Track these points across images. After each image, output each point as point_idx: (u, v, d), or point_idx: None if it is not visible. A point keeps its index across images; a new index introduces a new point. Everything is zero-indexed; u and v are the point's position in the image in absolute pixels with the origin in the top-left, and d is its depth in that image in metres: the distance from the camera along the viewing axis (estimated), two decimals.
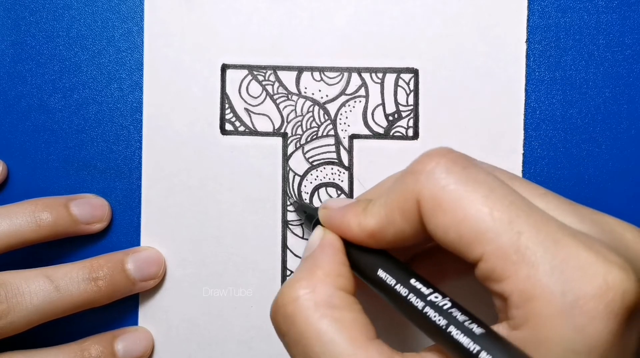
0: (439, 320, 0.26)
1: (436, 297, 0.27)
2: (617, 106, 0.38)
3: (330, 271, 0.29)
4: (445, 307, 0.26)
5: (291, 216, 0.39)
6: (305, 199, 0.39)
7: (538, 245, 0.25)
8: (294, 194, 0.39)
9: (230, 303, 0.39)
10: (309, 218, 0.35)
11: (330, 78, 0.39)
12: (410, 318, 0.28)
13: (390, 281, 0.28)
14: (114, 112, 0.39)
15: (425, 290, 0.27)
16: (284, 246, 0.39)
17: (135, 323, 0.39)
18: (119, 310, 0.39)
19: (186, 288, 0.39)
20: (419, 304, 0.27)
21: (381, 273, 0.29)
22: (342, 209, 0.31)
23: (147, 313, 0.39)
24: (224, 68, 0.39)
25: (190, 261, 0.39)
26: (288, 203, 0.39)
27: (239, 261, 0.39)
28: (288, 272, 0.39)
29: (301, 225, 0.39)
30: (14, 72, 0.39)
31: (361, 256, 0.30)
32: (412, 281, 0.28)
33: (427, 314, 0.27)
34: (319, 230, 0.32)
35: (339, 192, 0.39)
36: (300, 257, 0.39)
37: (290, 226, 0.39)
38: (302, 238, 0.39)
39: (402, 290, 0.28)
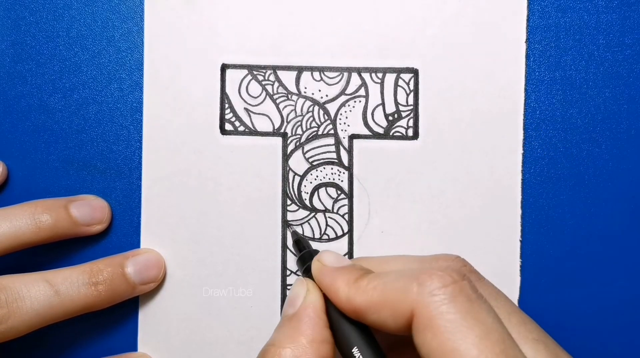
0: None
1: None
2: (617, 106, 0.38)
3: (313, 338, 0.29)
4: None
5: (291, 216, 0.39)
6: (305, 199, 0.39)
7: None
8: (292, 226, 0.38)
9: (230, 303, 0.39)
10: (302, 258, 0.35)
11: (330, 78, 0.39)
12: None
13: None
14: (114, 112, 0.39)
15: None
16: (284, 246, 0.39)
17: (135, 323, 0.39)
18: (118, 309, 0.39)
19: (186, 288, 0.39)
20: None
21: (355, 353, 0.29)
22: (335, 271, 0.31)
23: (147, 313, 0.39)
24: (224, 68, 0.39)
25: (190, 261, 0.39)
26: (289, 229, 0.38)
27: (239, 261, 0.39)
28: (288, 272, 0.39)
29: (301, 225, 0.39)
30: (14, 72, 0.39)
31: (341, 324, 0.30)
32: None
33: None
34: (303, 285, 0.32)
35: (339, 192, 0.39)
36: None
37: (290, 226, 0.39)
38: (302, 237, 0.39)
39: None
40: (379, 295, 0.28)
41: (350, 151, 0.39)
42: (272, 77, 0.39)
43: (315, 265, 0.32)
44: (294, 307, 0.31)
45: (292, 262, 0.39)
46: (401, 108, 0.39)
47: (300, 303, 0.31)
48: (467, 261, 0.33)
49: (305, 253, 0.35)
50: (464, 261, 0.33)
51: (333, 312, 0.31)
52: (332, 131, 0.39)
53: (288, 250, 0.39)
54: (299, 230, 0.39)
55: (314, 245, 0.39)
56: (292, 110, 0.39)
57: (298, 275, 0.39)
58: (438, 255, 0.33)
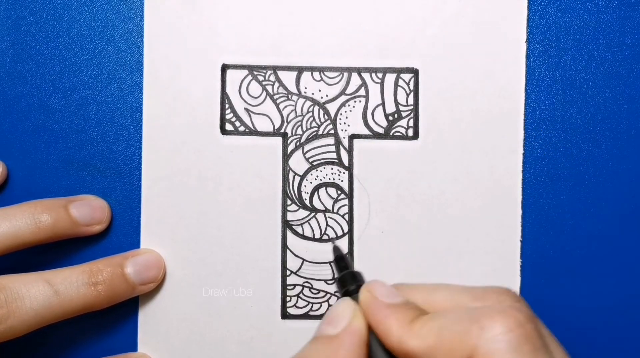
0: None
1: None
2: (617, 106, 0.38)
3: None
4: None
5: (291, 216, 0.39)
6: (306, 199, 0.39)
7: None
8: (334, 239, 0.37)
9: (230, 303, 0.39)
10: (343, 280, 0.32)
11: (330, 78, 0.39)
12: None
13: None
14: (114, 112, 0.39)
15: None
16: (284, 246, 0.39)
17: (135, 323, 0.39)
18: (118, 309, 0.38)
19: (186, 288, 0.39)
20: None
21: None
22: (387, 308, 0.28)
23: (147, 313, 0.39)
24: (224, 68, 0.39)
25: (190, 261, 0.39)
26: (331, 243, 0.37)
27: (239, 261, 0.39)
28: (288, 272, 0.39)
29: (301, 225, 0.39)
30: (14, 72, 0.39)
31: None
32: None
33: None
34: (350, 307, 0.29)
35: (339, 192, 0.39)
36: (299, 257, 0.39)
37: (290, 226, 0.39)
38: (302, 237, 0.39)
39: None
40: (435, 339, 0.26)
41: (350, 151, 0.39)
42: (272, 77, 0.39)
43: (365, 296, 0.29)
44: (335, 328, 0.29)
45: (292, 262, 0.39)
46: (401, 108, 0.39)
47: (344, 326, 0.29)
48: (521, 297, 0.30)
49: (347, 275, 0.32)
50: (518, 296, 0.29)
51: (376, 347, 0.28)
52: (332, 131, 0.39)
53: (288, 250, 0.39)
54: (299, 230, 0.39)
55: (314, 245, 0.39)
56: (292, 110, 0.39)
57: (298, 275, 0.39)
58: (490, 287, 0.30)
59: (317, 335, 0.29)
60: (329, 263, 0.39)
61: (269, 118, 0.39)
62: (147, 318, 0.39)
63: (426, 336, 0.27)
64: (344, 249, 0.38)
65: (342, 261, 0.33)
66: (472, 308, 0.28)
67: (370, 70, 0.39)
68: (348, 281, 0.31)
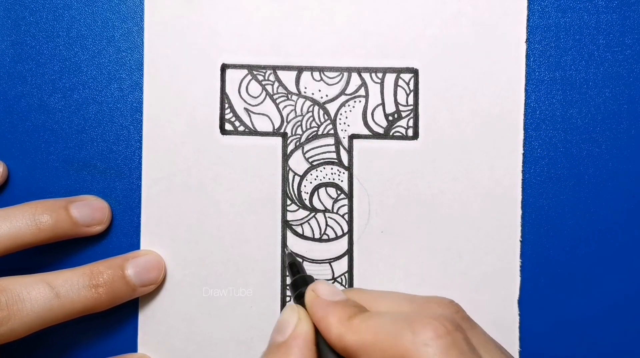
0: None
1: None
2: (617, 106, 0.38)
3: None
4: None
5: (291, 216, 0.39)
6: (305, 199, 0.39)
7: None
8: (289, 248, 0.38)
9: (230, 303, 0.39)
10: (295, 284, 0.35)
11: (330, 78, 0.39)
12: None
13: None
14: (114, 112, 0.39)
15: None
16: (284, 246, 0.39)
17: (135, 323, 0.39)
18: (119, 310, 0.38)
19: (186, 288, 0.39)
20: None
21: None
22: (329, 305, 0.30)
23: (147, 314, 0.39)
24: (224, 68, 0.39)
25: (190, 261, 0.39)
26: (285, 250, 0.38)
27: (239, 261, 0.39)
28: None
29: (301, 225, 0.39)
30: (14, 72, 0.39)
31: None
32: None
33: None
34: (294, 313, 0.31)
35: (339, 192, 0.39)
36: (299, 256, 0.39)
37: (290, 226, 0.39)
38: (302, 237, 0.39)
39: None
40: (372, 337, 0.28)
41: (350, 151, 0.39)
42: (272, 77, 0.39)
43: (309, 295, 0.32)
44: (283, 335, 0.30)
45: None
46: (401, 108, 0.39)
47: (290, 332, 0.30)
48: (461, 307, 0.32)
49: (298, 278, 0.34)
50: (458, 306, 0.32)
51: (323, 346, 0.30)
52: (332, 131, 0.39)
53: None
54: (299, 230, 0.39)
55: (314, 245, 0.39)
56: (292, 110, 0.39)
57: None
58: (431, 297, 0.33)
59: (269, 345, 0.31)
60: (329, 262, 0.39)
61: (269, 118, 0.39)
62: (147, 318, 0.39)
63: (364, 333, 0.28)
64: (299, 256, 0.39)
65: (294, 267, 0.36)
66: (408, 312, 0.30)
67: (370, 70, 0.39)
68: (299, 285, 0.33)
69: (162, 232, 0.39)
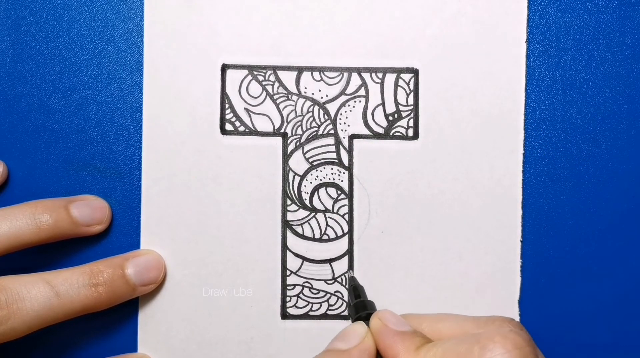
0: None
1: None
2: (617, 106, 0.38)
3: None
4: None
5: (291, 216, 0.39)
6: (306, 199, 0.39)
7: None
8: (350, 271, 0.39)
9: (230, 303, 0.39)
10: (356, 307, 0.35)
11: (330, 78, 0.39)
12: None
13: None
14: (114, 112, 0.39)
15: None
16: (284, 246, 0.39)
17: (135, 323, 0.39)
18: (118, 310, 0.38)
19: (186, 288, 0.39)
20: None
21: None
22: (396, 335, 0.31)
23: (147, 314, 0.39)
24: (224, 68, 0.39)
25: (190, 261, 0.39)
26: (347, 274, 0.39)
27: (239, 261, 0.39)
28: (288, 272, 0.39)
29: (301, 225, 0.39)
30: (14, 72, 0.39)
31: None
32: None
33: None
34: (364, 328, 0.32)
35: (339, 192, 0.39)
36: (300, 256, 0.39)
37: (290, 226, 0.39)
38: (302, 237, 0.39)
39: None
40: None
41: (350, 151, 0.39)
42: (272, 78, 0.39)
43: (375, 323, 0.32)
44: (347, 343, 0.31)
45: (292, 262, 0.39)
46: (401, 108, 0.39)
47: (356, 343, 0.31)
48: (524, 327, 0.32)
49: (358, 303, 0.35)
50: (522, 326, 0.32)
51: None
52: (332, 131, 0.39)
53: (288, 250, 0.39)
54: (299, 230, 0.39)
55: (314, 245, 0.39)
56: (292, 110, 0.39)
57: (298, 275, 0.39)
58: (495, 316, 0.33)
59: (328, 348, 0.32)
60: (329, 262, 0.39)
61: (269, 118, 0.39)
62: (147, 318, 0.39)
63: None
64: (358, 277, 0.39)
65: (356, 290, 0.37)
66: (474, 332, 0.30)
67: (370, 70, 0.39)
68: (359, 309, 0.34)
69: (162, 232, 0.39)
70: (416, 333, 0.31)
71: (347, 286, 0.38)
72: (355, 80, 0.39)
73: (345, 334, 0.32)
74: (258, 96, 0.39)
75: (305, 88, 0.39)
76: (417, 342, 0.30)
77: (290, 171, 0.39)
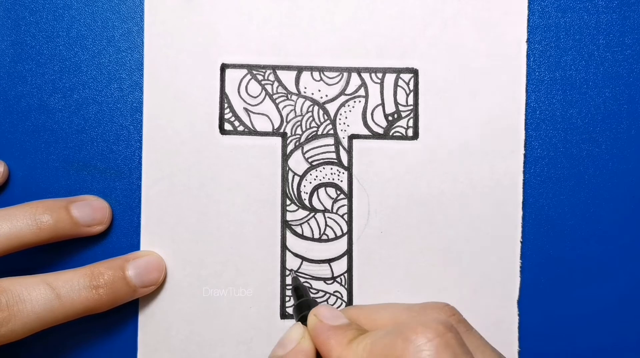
0: None
1: None
2: (617, 106, 0.38)
3: None
4: None
5: (290, 216, 0.39)
6: (305, 199, 0.39)
7: None
8: (293, 270, 0.39)
9: (230, 303, 0.39)
10: (299, 307, 0.35)
11: (330, 78, 0.39)
12: None
13: None
14: (114, 112, 0.39)
15: None
16: (284, 246, 0.39)
17: (135, 323, 0.39)
18: (119, 310, 0.39)
19: (186, 288, 0.39)
20: None
21: None
22: (330, 330, 0.31)
23: (147, 314, 0.39)
24: (224, 68, 0.39)
25: (190, 262, 0.39)
26: (287, 271, 0.39)
27: (238, 261, 0.39)
28: (287, 272, 0.39)
29: (300, 225, 0.39)
30: (14, 72, 0.39)
31: None
32: None
33: None
34: (299, 330, 0.32)
35: (338, 192, 0.39)
36: (299, 256, 0.39)
37: (289, 226, 0.39)
38: (302, 237, 0.39)
39: None
40: (367, 355, 0.29)
41: (349, 151, 0.39)
42: (271, 77, 0.39)
43: (311, 320, 0.32)
44: (284, 349, 0.31)
45: (291, 262, 0.39)
46: (401, 108, 0.39)
47: (292, 348, 0.31)
48: (456, 310, 0.33)
49: (302, 302, 0.35)
50: (453, 310, 0.33)
51: None
52: (331, 131, 0.39)
53: (287, 250, 0.39)
54: (298, 230, 0.39)
55: (314, 245, 0.39)
56: (291, 110, 0.39)
57: (298, 275, 0.39)
58: (427, 303, 0.33)
59: (269, 356, 0.32)
60: (328, 262, 0.39)
61: (269, 118, 0.39)
62: (147, 318, 0.39)
63: (360, 353, 0.29)
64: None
65: (299, 290, 0.37)
66: (400, 322, 0.30)
67: (370, 70, 0.39)
68: (303, 308, 0.34)
69: (162, 232, 0.39)
70: (350, 326, 0.31)
71: (290, 286, 0.38)
72: (355, 80, 0.39)
73: (283, 339, 0.32)
74: (257, 96, 0.39)
75: (305, 88, 0.39)
76: (349, 335, 0.30)
77: (290, 171, 0.39)
